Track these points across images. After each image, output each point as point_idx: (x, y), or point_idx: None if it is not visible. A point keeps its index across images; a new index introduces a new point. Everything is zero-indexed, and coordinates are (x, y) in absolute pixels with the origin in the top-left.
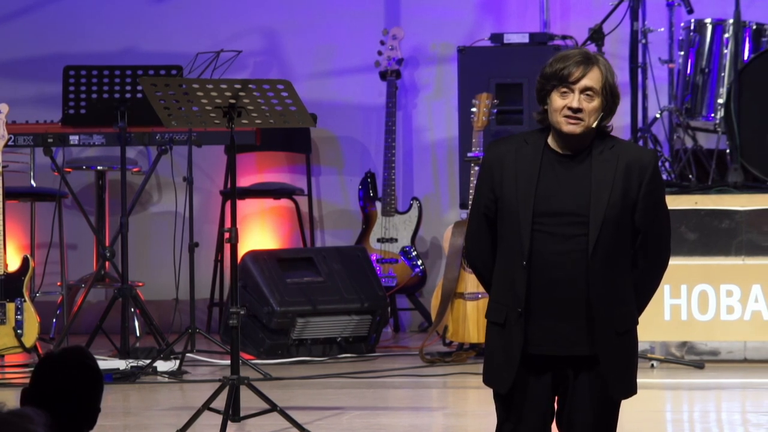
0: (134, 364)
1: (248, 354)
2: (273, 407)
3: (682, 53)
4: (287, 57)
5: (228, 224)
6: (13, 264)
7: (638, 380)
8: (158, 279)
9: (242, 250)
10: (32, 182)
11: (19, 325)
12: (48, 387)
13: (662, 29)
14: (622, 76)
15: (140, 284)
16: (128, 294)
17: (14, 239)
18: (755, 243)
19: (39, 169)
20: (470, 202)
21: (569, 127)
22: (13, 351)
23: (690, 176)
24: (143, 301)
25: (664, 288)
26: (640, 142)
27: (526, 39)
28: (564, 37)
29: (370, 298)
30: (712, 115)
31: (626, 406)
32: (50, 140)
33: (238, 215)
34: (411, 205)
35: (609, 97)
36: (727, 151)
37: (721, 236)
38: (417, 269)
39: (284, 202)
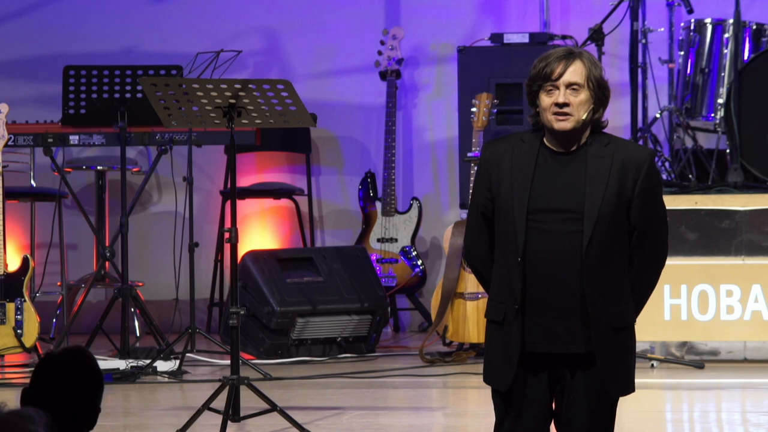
0: (134, 364)
1: (248, 354)
2: (273, 407)
3: (682, 53)
4: (287, 57)
5: (228, 224)
6: (13, 264)
7: (638, 380)
8: (158, 279)
9: (242, 250)
10: (32, 182)
11: (19, 325)
12: (48, 387)
13: (662, 29)
14: (622, 76)
15: (140, 284)
16: (128, 294)
17: (14, 239)
18: (755, 243)
19: (39, 169)
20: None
21: (560, 124)
22: (13, 351)
23: (690, 176)
24: (143, 301)
25: (664, 288)
26: (640, 142)
27: (526, 39)
28: (564, 37)
29: (370, 298)
30: (712, 115)
31: (626, 405)
32: (50, 140)
33: (238, 215)
34: (411, 205)
35: (596, 89)
36: (727, 151)
37: (721, 236)
38: (417, 269)
39: (284, 202)
